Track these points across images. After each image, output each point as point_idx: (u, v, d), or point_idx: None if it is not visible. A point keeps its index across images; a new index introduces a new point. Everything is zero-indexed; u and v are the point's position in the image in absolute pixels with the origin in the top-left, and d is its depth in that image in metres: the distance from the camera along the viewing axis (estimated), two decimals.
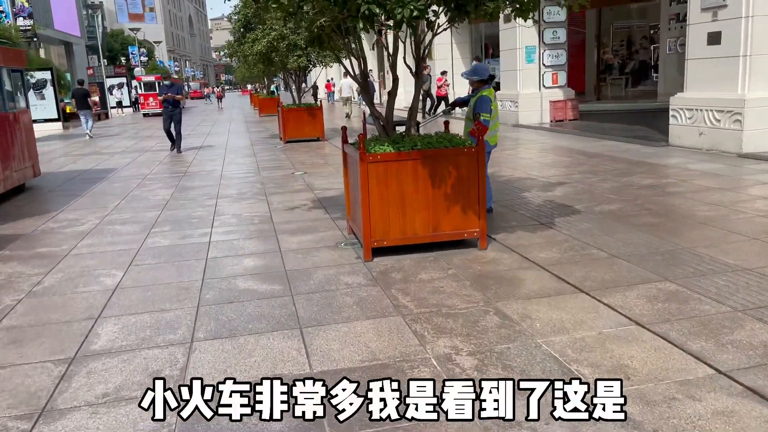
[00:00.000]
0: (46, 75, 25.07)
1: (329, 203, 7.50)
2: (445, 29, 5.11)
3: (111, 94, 40.34)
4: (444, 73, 20.71)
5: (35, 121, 26.28)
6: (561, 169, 9.04)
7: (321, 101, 17.54)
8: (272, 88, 31.96)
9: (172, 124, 14.22)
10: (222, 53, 17.47)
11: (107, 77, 39.42)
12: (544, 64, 16.53)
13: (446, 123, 5.73)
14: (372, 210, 4.96)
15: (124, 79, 41.17)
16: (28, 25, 21.38)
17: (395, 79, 5.34)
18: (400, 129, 5.59)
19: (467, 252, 5.12)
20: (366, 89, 5.65)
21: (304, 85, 16.76)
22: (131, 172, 11.37)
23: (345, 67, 5.85)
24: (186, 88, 79.28)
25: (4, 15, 20.98)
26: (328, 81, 39.22)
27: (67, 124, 28.02)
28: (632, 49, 23.98)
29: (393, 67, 5.14)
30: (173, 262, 5.33)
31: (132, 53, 51.49)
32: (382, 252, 5.08)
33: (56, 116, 25.31)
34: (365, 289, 4.39)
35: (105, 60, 43.72)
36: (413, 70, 5.19)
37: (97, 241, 6.22)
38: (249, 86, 55.11)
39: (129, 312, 4.21)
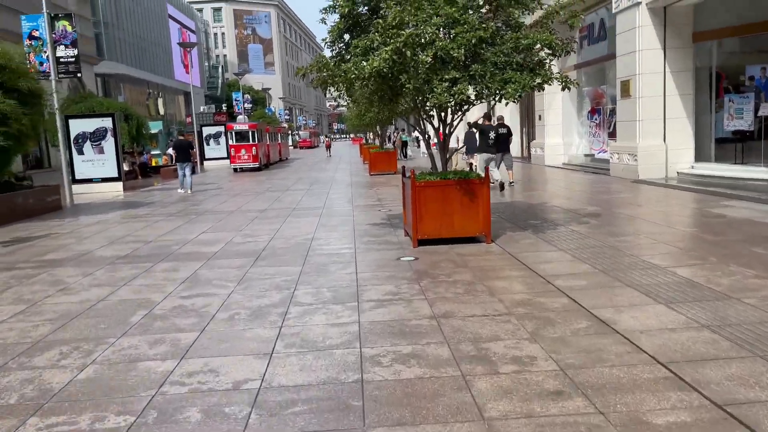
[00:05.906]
0: (107, 122, 19.67)
1: None
2: None
3: (207, 144, 35.58)
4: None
5: (90, 180, 21.12)
6: None
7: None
8: (404, 137, 25.21)
9: None
10: (308, 78, 9.31)
11: (203, 125, 34.68)
12: None
13: None
14: None
15: (222, 128, 36.20)
16: (71, 56, 15.84)
17: None
18: None
19: None
20: None
21: (459, 135, 9.45)
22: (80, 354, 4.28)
23: None
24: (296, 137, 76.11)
25: (41, 43, 15.60)
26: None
27: (134, 183, 22.75)
28: None
29: None
30: None
31: (236, 100, 47.23)
32: None
33: (116, 174, 19.75)
34: None
35: (206, 107, 40.15)
36: None
37: None
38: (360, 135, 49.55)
39: None
